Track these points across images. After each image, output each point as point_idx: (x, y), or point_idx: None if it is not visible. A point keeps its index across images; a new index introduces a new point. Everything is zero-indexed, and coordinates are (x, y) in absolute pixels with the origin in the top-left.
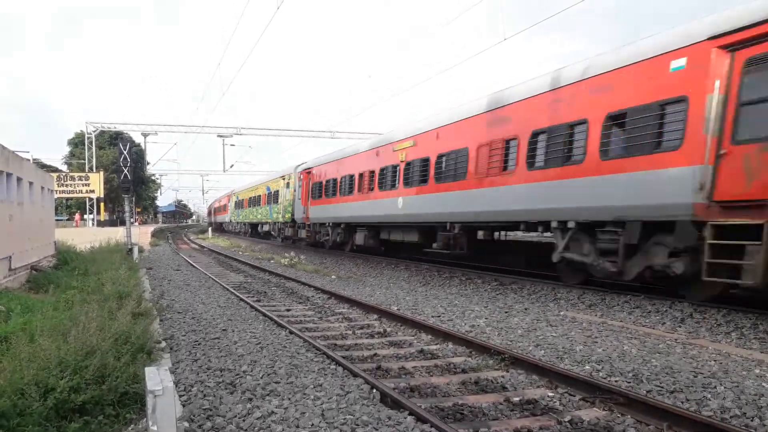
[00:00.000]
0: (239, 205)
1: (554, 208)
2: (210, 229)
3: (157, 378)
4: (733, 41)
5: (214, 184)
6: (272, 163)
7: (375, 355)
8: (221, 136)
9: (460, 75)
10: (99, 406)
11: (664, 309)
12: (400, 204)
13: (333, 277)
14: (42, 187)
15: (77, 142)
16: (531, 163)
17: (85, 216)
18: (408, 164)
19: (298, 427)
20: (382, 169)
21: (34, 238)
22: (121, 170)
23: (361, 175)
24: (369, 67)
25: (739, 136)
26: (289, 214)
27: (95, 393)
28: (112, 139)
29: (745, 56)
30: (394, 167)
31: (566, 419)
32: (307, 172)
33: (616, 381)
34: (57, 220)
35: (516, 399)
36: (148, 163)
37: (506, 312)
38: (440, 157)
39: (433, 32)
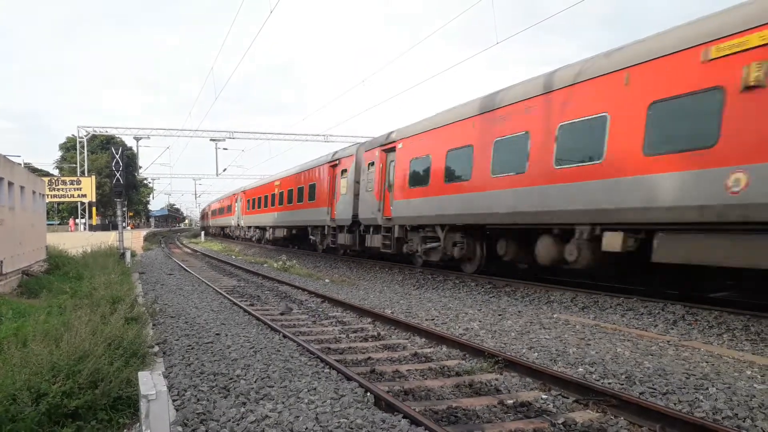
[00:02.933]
0: (214, 213)
1: (307, 220)
2: (202, 233)
3: (151, 382)
4: (385, 148)
5: (206, 188)
6: (265, 168)
7: (369, 358)
8: (214, 140)
9: (456, 77)
10: (92, 411)
11: (656, 311)
12: (277, 216)
13: (326, 280)
14: (33, 192)
15: (69, 147)
16: (292, 200)
17: (77, 220)
18: (281, 193)
19: (292, 431)
20: (271, 194)
21: (26, 243)
22: (113, 174)
23: (265, 197)
24: (363, 72)
25: (387, 187)
26: (237, 220)
27: (88, 398)
28: (104, 143)
29: (388, 156)
30: (274, 195)
31: (560, 421)
32: (244, 192)
33: (609, 383)
34: (48, 224)
35: (510, 401)
36: (140, 167)
37: (500, 315)
38: (281, 193)
39: (429, 37)
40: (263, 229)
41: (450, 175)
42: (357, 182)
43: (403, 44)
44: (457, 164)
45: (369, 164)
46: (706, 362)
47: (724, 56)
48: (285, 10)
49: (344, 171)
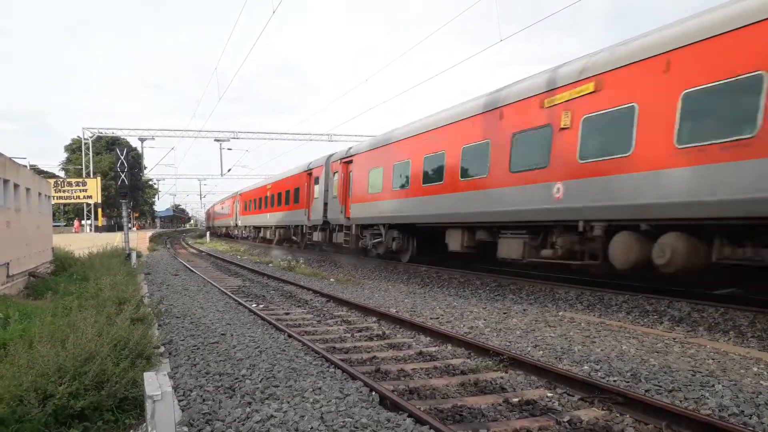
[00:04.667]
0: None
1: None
2: (208, 233)
3: (156, 383)
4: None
5: (211, 188)
6: (269, 168)
7: (374, 357)
8: (218, 141)
9: (456, 76)
10: (98, 411)
11: (662, 308)
12: (269, 217)
13: (331, 280)
14: (39, 194)
15: (74, 148)
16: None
17: (83, 222)
18: (272, 195)
19: (297, 430)
20: (264, 197)
21: (32, 245)
22: (118, 176)
23: (261, 198)
24: (366, 71)
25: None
26: (235, 221)
27: (94, 399)
28: (109, 144)
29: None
30: (266, 197)
31: (565, 419)
32: (241, 195)
33: (614, 381)
34: (54, 226)
35: (515, 400)
36: (145, 168)
37: (505, 313)
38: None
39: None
40: (258, 228)
41: None
42: None
43: (405, 43)
44: None
45: None
46: (712, 359)
47: None
48: (287, 11)
49: None
